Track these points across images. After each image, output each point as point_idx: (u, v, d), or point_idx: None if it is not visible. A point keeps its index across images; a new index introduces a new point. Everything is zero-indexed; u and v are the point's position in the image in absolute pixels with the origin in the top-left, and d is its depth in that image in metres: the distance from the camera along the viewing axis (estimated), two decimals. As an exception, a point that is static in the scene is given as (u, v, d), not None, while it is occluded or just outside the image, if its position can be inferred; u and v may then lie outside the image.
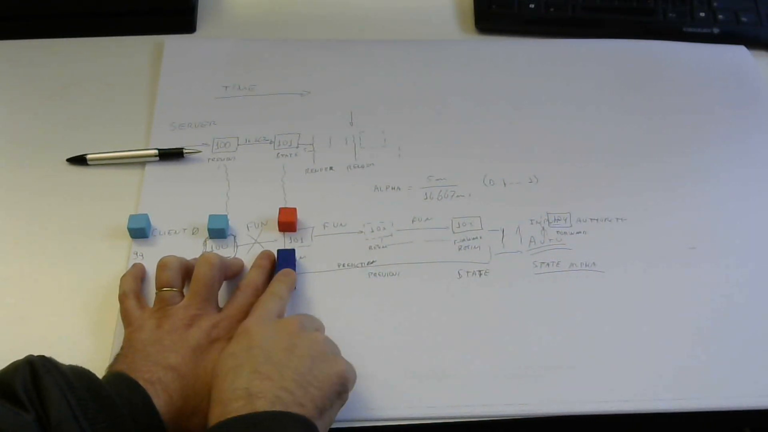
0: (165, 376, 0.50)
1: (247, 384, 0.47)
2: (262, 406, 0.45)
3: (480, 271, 0.63)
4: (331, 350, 0.52)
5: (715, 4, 0.83)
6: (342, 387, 0.50)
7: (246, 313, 0.56)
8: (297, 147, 0.70)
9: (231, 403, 0.46)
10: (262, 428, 0.44)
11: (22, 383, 0.44)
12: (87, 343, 0.57)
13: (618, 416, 0.56)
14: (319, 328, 0.55)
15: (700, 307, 0.62)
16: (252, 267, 0.60)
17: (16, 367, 0.46)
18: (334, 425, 0.55)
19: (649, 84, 0.78)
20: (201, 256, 0.58)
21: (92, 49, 0.77)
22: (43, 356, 0.47)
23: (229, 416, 0.45)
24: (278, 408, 0.45)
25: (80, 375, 0.47)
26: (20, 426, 0.42)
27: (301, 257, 0.63)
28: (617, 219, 0.67)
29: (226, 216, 0.64)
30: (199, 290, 0.56)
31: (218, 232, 0.63)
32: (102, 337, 0.58)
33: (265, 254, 0.61)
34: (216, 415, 0.46)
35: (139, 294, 0.58)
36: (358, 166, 0.69)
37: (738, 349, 0.60)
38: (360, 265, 0.63)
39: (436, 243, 0.64)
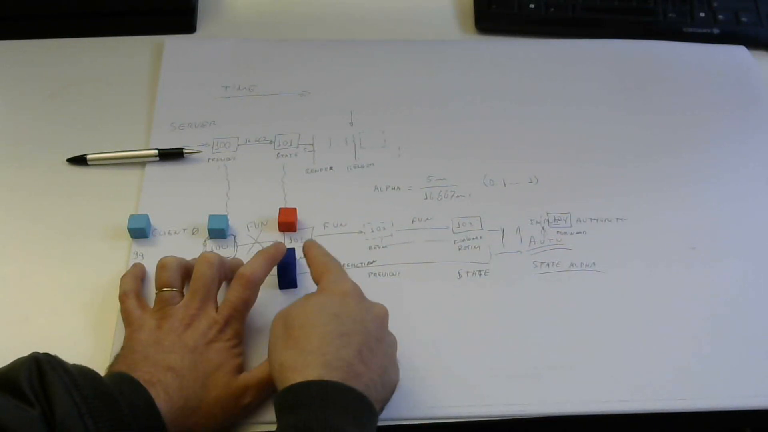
0: (165, 377, 0.50)
1: (351, 360, 0.47)
2: (358, 387, 0.46)
3: (480, 271, 0.63)
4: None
5: (715, 4, 0.83)
6: (391, 395, 0.51)
7: (241, 312, 0.56)
8: (297, 147, 0.70)
9: (336, 371, 0.46)
10: (357, 410, 0.45)
11: (28, 379, 0.44)
12: (87, 343, 0.57)
13: (618, 416, 0.56)
14: None
15: (700, 307, 0.62)
16: (254, 256, 0.58)
17: (21, 363, 0.46)
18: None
19: (649, 84, 0.78)
20: (200, 255, 0.58)
21: (92, 49, 0.77)
22: (47, 354, 0.47)
23: (331, 379, 0.45)
24: (367, 396, 0.46)
25: (84, 373, 0.47)
26: (26, 421, 0.42)
27: (301, 257, 0.63)
28: (617, 219, 0.67)
29: (226, 216, 0.64)
30: (198, 290, 0.56)
31: (218, 232, 0.63)
32: (102, 337, 0.58)
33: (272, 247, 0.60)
34: (314, 369, 0.46)
35: (140, 294, 0.58)
36: (358, 166, 0.69)
37: (738, 349, 0.60)
38: (360, 265, 0.63)
39: (436, 243, 0.64)
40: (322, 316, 0.50)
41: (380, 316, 0.52)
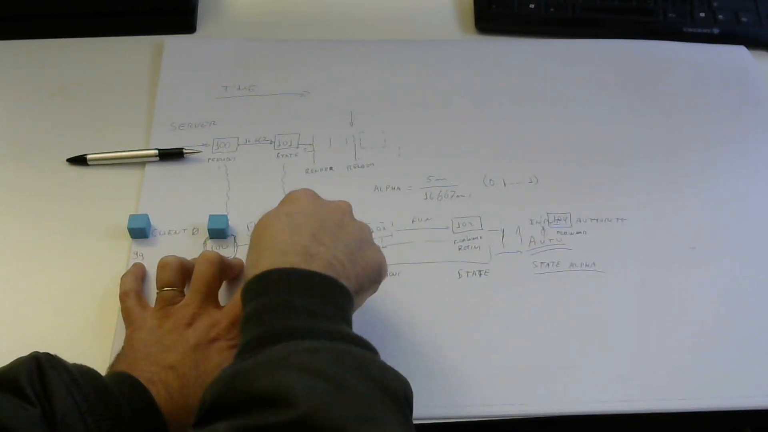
0: (165, 376, 0.50)
1: (307, 243, 0.48)
2: (317, 267, 0.47)
3: (480, 271, 0.63)
4: (373, 240, 0.54)
5: (715, 4, 0.83)
6: (379, 275, 0.52)
7: None
8: (297, 147, 0.70)
9: (290, 255, 0.47)
10: (318, 288, 0.46)
11: (28, 378, 0.44)
12: (87, 343, 0.57)
13: (618, 416, 0.56)
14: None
15: (699, 307, 0.62)
16: None
17: (21, 363, 0.46)
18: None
19: (649, 84, 0.78)
20: (201, 254, 0.58)
21: (92, 49, 0.77)
22: (47, 353, 0.47)
23: (286, 266, 0.47)
24: (330, 274, 0.47)
25: (84, 372, 0.47)
26: (26, 420, 0.42)
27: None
28: (617, 219, 0.67)
29: (226, 216, 0.64)
30: (199, 288, 0.56)
31: (218, 232, 0.63)
32: (102, 336, 0.58)
33: None
34: (270, 260, 0.47)
35: (140, 293, 0.58)
36: (358, 166, 0.69)
37: (738, 349, 0.60)
38: (360, 265, 0.63)
39: (436, 243, 0.64)
40: (275, 218, 0.51)
41: (338, 206, 0.54)
